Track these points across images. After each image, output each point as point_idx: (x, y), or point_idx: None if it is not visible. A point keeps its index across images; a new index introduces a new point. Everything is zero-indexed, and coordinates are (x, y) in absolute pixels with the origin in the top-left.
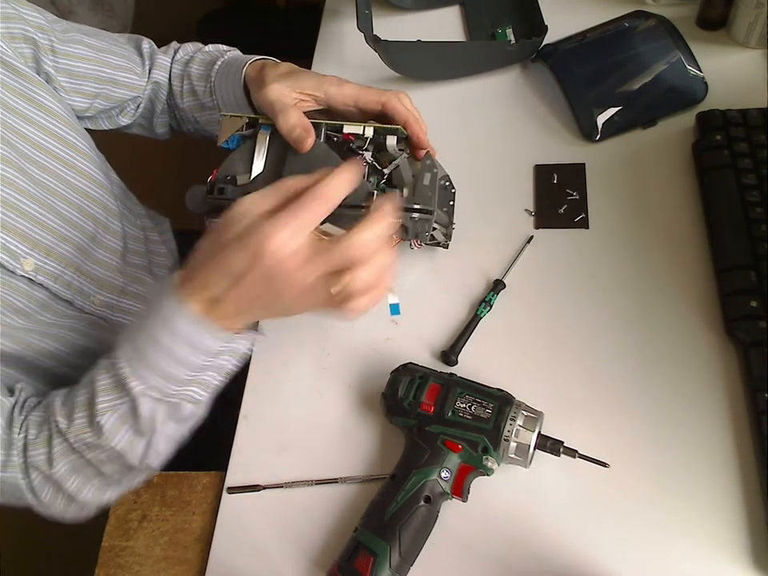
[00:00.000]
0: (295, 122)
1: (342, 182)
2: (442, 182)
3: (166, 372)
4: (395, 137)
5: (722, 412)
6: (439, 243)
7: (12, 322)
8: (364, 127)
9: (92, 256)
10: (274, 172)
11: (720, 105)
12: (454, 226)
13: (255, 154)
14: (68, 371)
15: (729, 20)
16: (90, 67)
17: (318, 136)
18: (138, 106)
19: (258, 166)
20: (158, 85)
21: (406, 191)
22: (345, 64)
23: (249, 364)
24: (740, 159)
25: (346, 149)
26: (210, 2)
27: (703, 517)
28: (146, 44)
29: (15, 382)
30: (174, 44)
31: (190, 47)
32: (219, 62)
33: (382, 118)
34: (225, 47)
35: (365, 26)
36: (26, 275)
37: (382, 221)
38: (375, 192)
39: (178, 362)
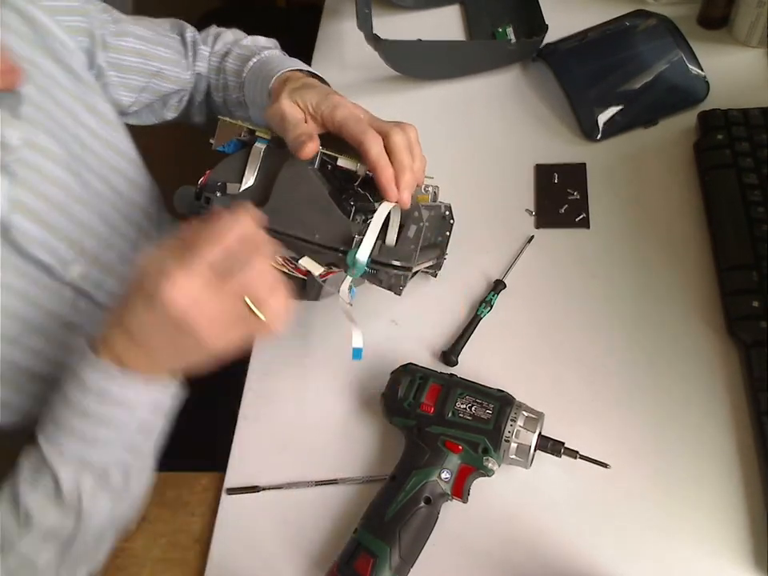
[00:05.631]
0: (303, 130)
1: (228, 222)
2: (443, 211)
3: (84, 433)
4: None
5: (722, 412)
6: (427, 272)
7: (65, 339)
8: (357, 165)
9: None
10: (264, 188)
11: (721, 104)
12: (446, 257)
13: (247, 167)
14: None
15: (730, 19)
16: (138, 60)
17: (312, 162)
18: (181, 99)
19: (248, 179)
20: (199, 77)
21: (391, 234)
22: (345, 64)
23: (249, 364)
24: (741, 158)
25: (339, 178)
26: (210, 0)
27: (704, 517)
28: (190, 32)
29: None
30: (213, 30)
31: (229, 36)
32: (254, 60)
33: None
34: (263, 41)
35: (365, 25)
36: (73, 282)
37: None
38: (355, 237)
39: (94, 420)
